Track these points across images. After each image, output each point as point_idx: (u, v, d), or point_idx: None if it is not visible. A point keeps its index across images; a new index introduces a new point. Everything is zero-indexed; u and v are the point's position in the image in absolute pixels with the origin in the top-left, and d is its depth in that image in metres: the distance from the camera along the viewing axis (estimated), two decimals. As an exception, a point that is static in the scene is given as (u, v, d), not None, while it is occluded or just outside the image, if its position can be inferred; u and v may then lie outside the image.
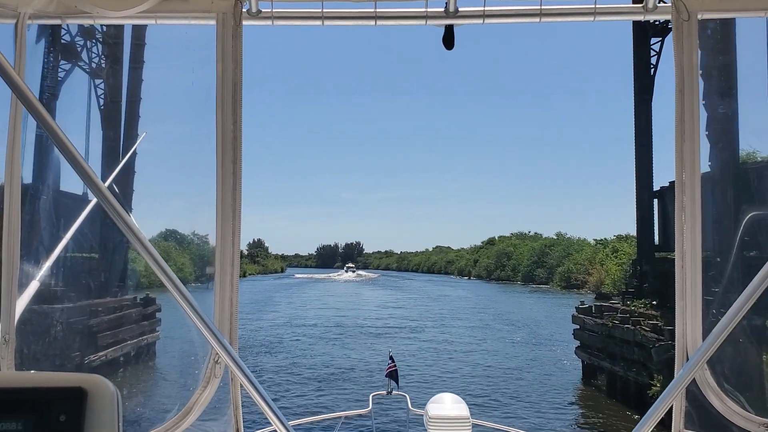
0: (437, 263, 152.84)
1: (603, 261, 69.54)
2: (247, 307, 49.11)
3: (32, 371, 1.10)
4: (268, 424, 2.62)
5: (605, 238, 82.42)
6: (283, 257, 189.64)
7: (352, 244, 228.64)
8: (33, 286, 3.21)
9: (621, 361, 22.38)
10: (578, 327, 28.32)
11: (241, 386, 2.61)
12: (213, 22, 2.69)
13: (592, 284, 67.18)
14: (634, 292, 26.93)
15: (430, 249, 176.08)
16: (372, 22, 2.70)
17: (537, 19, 2.66)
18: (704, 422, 2.71)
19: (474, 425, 3.30)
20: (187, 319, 2.41)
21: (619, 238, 76.84)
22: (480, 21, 2.66)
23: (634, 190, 27.63)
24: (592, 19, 2.66)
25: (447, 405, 3.34)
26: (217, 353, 2.55)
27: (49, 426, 1.02)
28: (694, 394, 2.66)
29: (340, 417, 6.89)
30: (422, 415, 3.61)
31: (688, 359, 2.57)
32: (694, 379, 2.57)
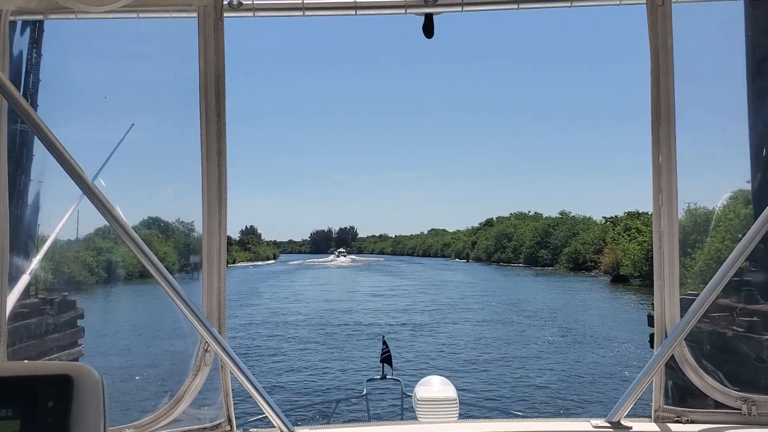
0: (433, 246, 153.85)
1: (616, 240, 69.65)
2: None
3: (21, 361, 1.21)
4: (260, 410, 2.85)
5: (615, 216, 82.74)
6: (276, 244, 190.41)
7: (346, 228, 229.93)
8: (23, 280, 3.41)
9: None
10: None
11: (231, 374, 2.82)
12: (195, 15, 2.86)
13: (607, 265, 66.31)
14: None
15: (425, 232, 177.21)
16: (352, 12, 2.90)
17: (515, 6, 2.86)
18: (683, 398, 2.96)
19: (461, 407, 3.54)
20: (173, 309, 2.62)
21: (630, 215, 77.02)
22: (459, 9, 2.86)
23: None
24: (569, 5, 2.86)
25: (434, 387, 3.58)
26: (207, 342, 2.75)
27: (38, 412, 1.13)
28: (672, 371, 2.91)
29: (334, 401, 7.20)
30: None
31: (666, 337, 2.82)
32: (672, 355, 2.81)
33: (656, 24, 2.80)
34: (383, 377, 7.48)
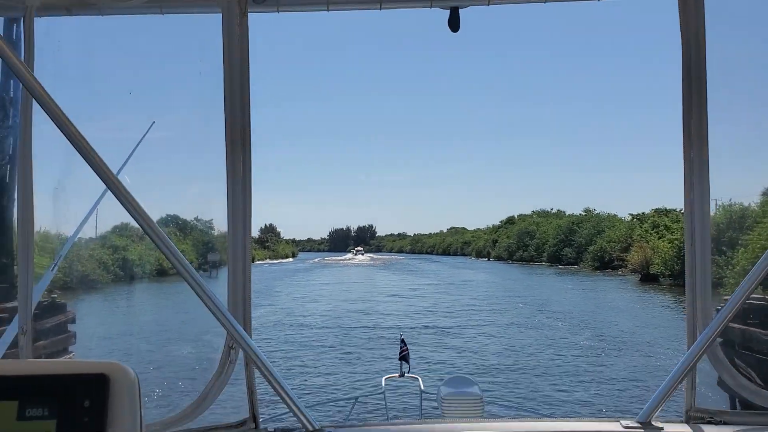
0: (453, 244, 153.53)
1: (644, 238, 68.67)
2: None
3: (56, 359, 1.30)
4: (284, 407, 2.89)
5: (642, 213, 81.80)
6: (295, 242, 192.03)
7: (364, 227, 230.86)
8: (48, 277, 3.50)
9: None
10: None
11: (256, 371, 2.86)
12: (219, 11, 2.91)
13: (636, 263, 65.03)
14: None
15: (445, 230, 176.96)
16: (377, 7, 2.92)
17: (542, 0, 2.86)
18: (716, 399, 2.95)
19: (486, 405, 3.55)
20: (194, 306, 2.67)
21: (658, 212, 76.06)
22: (485, 3, 2.87)
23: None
24: None
25: (459, 386, 3.60)
26: (232, 339, 2.80)
27: (75, 411, 1.13)
28: (705, 371, 2.89)
29: (354, 399, 7.27)
30: (434, 397, 3.87)
31: (698, 337, 2.80)
32: (705, 356, 2.80)
33: (688, 12, 2.78)
34: (402, 375, 7.57)
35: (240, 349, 2.79)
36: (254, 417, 2.91)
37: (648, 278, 60.43)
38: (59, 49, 3.21)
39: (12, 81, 3.62)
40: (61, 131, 2.34)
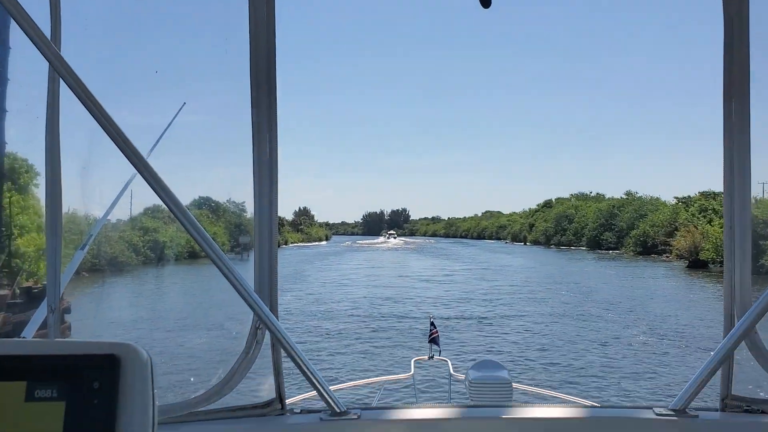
0: (488, 228, 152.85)
1: (690, 221, 67.17)
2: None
3: (66, 339, 1.30)
4: (310, 389, 2.95)
5: (688, 196, 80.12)
6: (329, 225, 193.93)
7: (398, 210, 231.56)
8: (78, 257, 3.62)
9: None
10: None
11: (283, 352, 2.93)
12: None
13: (683, 249, 63.48)
14: None
15: (479, 214, 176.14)
16: None
17: None
18: (754, 387, 2.91)
19: (515, 390, 3.56)
20: (223, 289, 2.72)
21: (705, 195, 74.32)
22: None
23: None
24: None
25: (488, 369, 3.61)
26: (258, 320, 2.87)
27: (84, 393, 1.12)
28: (743, 358, 2.85)
29: (382, 381, 7.34)
30: (463, 380, 3.90)
31: (736, 323, 2.76)
32: (743, 343, 2.76)
33: None
34: (431, 357, 7.64)
35: (266, 331, 2.85)
36: (280, 398, 2.96)
37: (696, 264, 58.98)
38: (85, 28, 3.26)
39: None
40: (89, 111, 2.38)
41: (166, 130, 3.58)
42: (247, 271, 2.93)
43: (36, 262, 15.92)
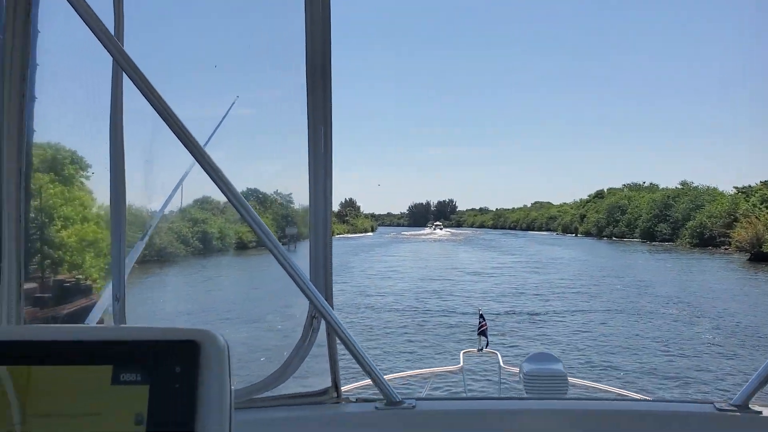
0: (537, 219, 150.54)
1: (752, 212, 64.58)
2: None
3: (145, 325, 1.26)
4: (364, 377, 2.99)
5: (749, 186, 77.27)
6: (375, 216, 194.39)
7: (444, 201, 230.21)
8: (139, 247, 3.76)
9: None
10: None
11: (338, 341, 2.98)
12: None
13: (744, 241, 61.24)
14: None
15: (528, 205, 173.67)
16: None
17: None
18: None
19: (571, 384, 3.53)
20: (277, 279, 2.78)
21: (766, 184, 71.50)
22: None
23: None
24: None
25: (543, 362, 3.59)
26: (314, 309, 2.93)
27: (166, 377, 1.17)
28: None
29: (431, 373, 7.40)
30: (515, 373, 3.88)
31: None
32: None
33: None
34: (480, 350, 7.67)
35: (322, 320, 2.90)
36: (336, 386, 3.02)
37: (759, 257, 56.70)
38: (146, 23, 3.36)
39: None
40: (152, 105, 2.46)
41: (221, 122, 3.67)
42: (296, 261, 3.00)
43: (80, 253, 16.02)
